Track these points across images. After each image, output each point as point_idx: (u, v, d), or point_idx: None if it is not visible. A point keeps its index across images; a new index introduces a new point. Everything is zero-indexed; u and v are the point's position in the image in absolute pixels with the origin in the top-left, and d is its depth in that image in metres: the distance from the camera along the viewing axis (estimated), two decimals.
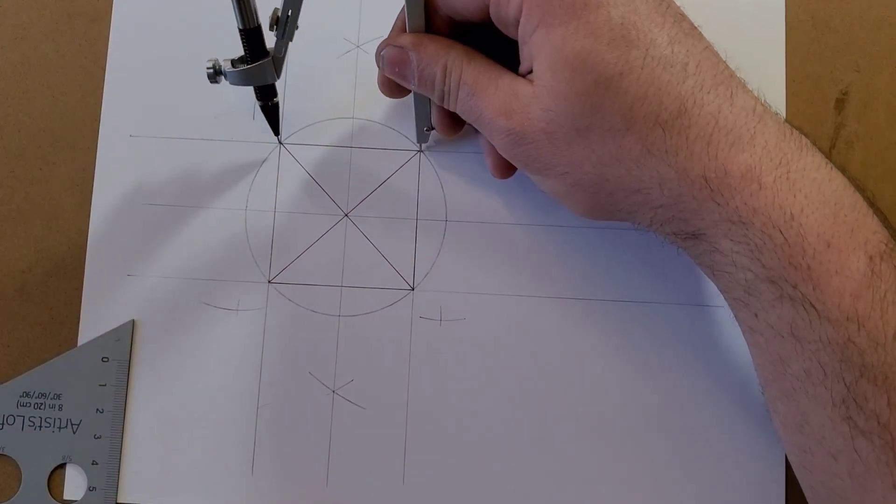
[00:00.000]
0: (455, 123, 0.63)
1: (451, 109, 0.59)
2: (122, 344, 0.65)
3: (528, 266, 0.66)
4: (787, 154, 0.50)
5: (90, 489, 0.64)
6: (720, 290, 0.55)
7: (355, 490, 0.64)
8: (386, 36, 0.60)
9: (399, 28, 0.60)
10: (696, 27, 0.52)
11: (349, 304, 0.66)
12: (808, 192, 0.48)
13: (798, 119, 0.69)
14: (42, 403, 0.64)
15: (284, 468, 0.65)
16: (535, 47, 0.51)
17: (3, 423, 0.64)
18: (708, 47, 0.52)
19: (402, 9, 0.58)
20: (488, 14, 0.54)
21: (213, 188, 0.68)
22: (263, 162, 0.68)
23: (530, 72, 0.52)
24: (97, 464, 0.64)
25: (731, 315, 0.55)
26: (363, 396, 0.65)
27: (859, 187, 0.52)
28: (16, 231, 0.68)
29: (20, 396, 0.64)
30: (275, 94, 0.63)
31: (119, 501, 0.64)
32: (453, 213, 0.67)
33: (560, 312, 0.66)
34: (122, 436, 0.64)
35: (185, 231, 0.67)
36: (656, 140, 0.49)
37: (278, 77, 0.61)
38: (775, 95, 0.69)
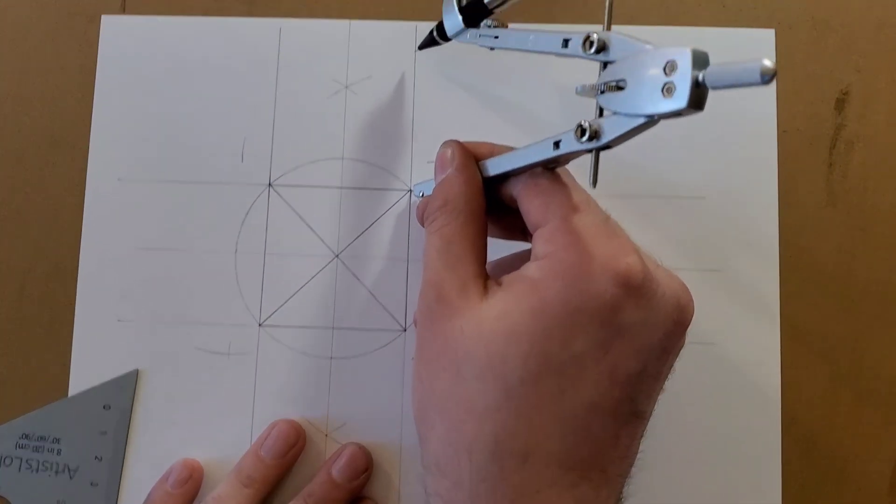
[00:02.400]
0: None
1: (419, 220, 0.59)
2: (125, 392, 0.65)
3: None
4: None
5: None
6: None
7: None
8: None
9: (479, 147, 0.58)
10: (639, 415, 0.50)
11: (341, 346, 0.66)
12: None
13: (798, 119, 0.70)
14: (41, 447, 0.65)
15: None
16: (512, 286, 0.49)
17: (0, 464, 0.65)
18: (630, 438, 0.49)
19: (499, 148, 0.57)
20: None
21: (203, 231, 0.68)
22: (253, 204, 0.68)
23: (498, 284, 0.51)
24: None
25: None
26: (357, 439, 0.65)
27: None
28: (16, 231, 0.69)
29: (19, 438, 0.65)
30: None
31: None
32: None
33: None
34: (119, 485, 0.65)
35: (175, 275, 0.67)
36: (480, 444, 0.47)
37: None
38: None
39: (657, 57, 0.42)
